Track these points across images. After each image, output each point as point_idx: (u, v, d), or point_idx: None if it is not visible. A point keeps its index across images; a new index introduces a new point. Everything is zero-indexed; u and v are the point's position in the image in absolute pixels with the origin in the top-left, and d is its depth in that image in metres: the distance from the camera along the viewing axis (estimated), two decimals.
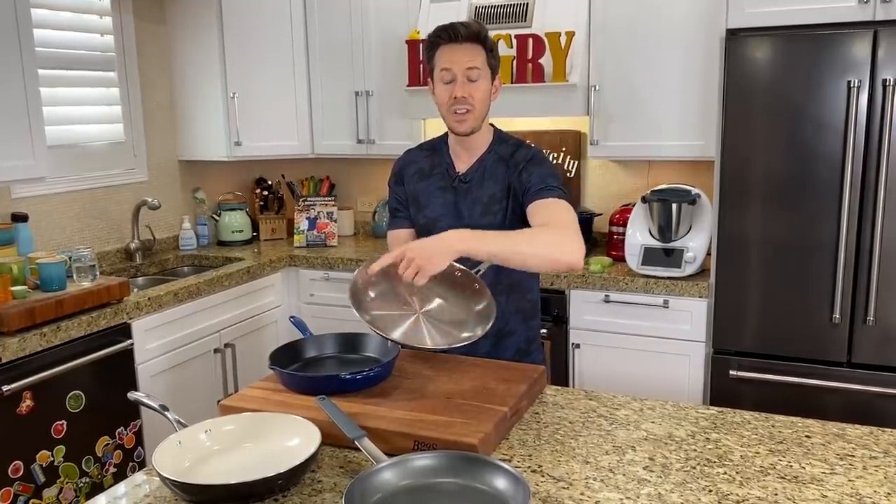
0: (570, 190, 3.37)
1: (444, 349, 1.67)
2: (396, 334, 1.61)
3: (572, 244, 1.66)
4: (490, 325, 1.64)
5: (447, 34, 1.83)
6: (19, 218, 2.82)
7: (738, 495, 1.27)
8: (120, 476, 2.63)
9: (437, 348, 1.67)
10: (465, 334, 1.63)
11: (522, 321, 2.01)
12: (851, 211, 2.47)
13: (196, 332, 2.97)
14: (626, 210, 3.13)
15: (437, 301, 1.68)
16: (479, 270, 1.70)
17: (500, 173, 1.91)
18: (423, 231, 1.95)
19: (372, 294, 1.67)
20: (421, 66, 3.18)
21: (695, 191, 2.90)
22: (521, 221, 1.91)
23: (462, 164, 1.95)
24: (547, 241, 1.67)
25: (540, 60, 3.02)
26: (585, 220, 3.27)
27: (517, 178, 1.88)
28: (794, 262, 2.58)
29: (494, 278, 1.93)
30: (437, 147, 2.02)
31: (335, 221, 3.74)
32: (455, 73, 1.82)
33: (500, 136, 1.97)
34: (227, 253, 3.58)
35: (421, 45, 3.15)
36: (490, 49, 1.86)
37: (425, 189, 1.97)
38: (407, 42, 3.24)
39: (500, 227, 1.88)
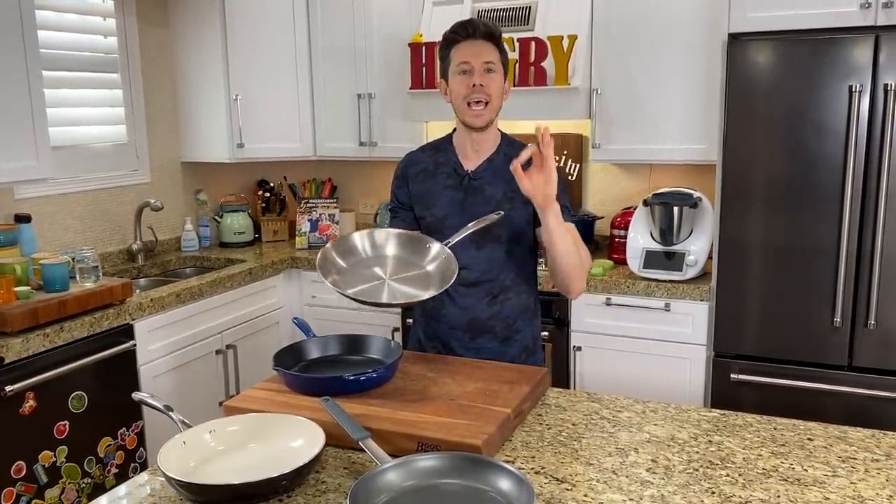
0: (571, 193, 3.41)
1: (430, 296, 1.73)
2: (383, 298, 1.72)
3: (584, 282, 1.93)
4: (455, 271, 1.74)
5: (465, 30, 1.89)
6: (23, 219, 2.83)
7: (740, 497, 1.28)
8: (122, 477, 2.63)
9: (427, 296, 1.73)
10: (431, 291, 1.72)
11: (529, 320, 2.03)
12: (853, 215, 2.48)
13: (198, 333, 2.98)
14: (627, 213, 3.13)
15: (396, 264, 1.82)
16: (448, 242, 1.82)
17: None
18: (430, 230, 1.96)
19: (344, 264, 1.79)
20: (424, 68, 3.19)
21: (696, 194, 2.91)
22: (526, 223, 1.94)
23: (470, 163, 1.97)
24: (580, 265, 1.86)
25: (542, 63, 3.03)
26: (587, 224, 3.28)
27: None
28: (796, 265, 2.58)
29: (501, 279, 1.95)
30: (441, 147, 2.03)
31: (337, 223, 3.75)
32: (473, 65, 1.87)
33: (506, 139, 2.00)
34: (229, 254, 3.58)
35: (424, 48, 3.18)
36: (502, 50, 1.92)
37: (431, 188, 1.98)
38: (409, 45, 3.24)
39: (506, 226, 1.92)
